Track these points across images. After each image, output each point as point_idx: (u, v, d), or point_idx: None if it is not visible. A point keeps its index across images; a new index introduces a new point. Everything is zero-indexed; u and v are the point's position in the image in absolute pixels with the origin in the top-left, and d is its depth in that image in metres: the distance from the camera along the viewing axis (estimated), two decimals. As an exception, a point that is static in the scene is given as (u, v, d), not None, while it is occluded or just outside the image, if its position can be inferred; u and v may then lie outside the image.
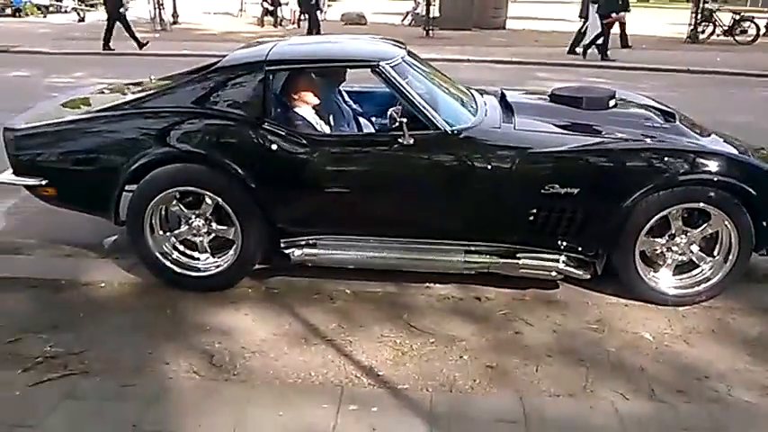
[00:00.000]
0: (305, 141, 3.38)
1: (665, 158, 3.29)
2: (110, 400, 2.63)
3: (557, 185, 3.28)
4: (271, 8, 19.78)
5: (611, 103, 3.84)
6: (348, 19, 20.47)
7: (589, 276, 3.48)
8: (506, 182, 3.32)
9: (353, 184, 3.43)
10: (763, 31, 16.58)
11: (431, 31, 17.00)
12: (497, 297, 3.52)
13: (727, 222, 3.31)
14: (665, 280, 3.47)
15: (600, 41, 12.88)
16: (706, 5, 16.71)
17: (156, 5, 17.84)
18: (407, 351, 3.03)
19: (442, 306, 3.45)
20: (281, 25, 19.80)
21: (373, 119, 4.40)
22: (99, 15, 22.66)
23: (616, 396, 2.71)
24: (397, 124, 3.29)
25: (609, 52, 13.00)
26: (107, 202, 3.49)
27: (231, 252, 3.53)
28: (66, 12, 24.26)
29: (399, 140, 3.30)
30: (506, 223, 3.42)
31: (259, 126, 3.38)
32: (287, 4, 20.10)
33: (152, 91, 3.73)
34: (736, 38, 16.34)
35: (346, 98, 4.36)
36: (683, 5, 24.38)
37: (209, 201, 3.47)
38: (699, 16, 16.63)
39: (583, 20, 13.69)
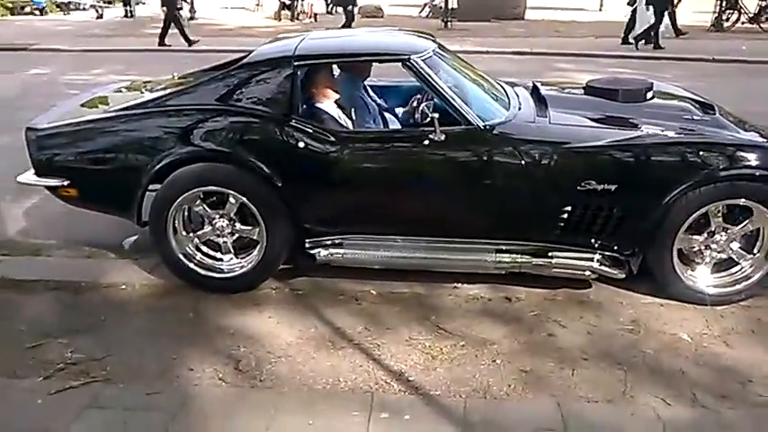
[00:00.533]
0: (333, 138, 3.29)
1: (706, 153, 3.16)
2: (134, 408, 2.57)
3: (593, 182, 3.16)
4: (288, 2, 19.69)
5: (649, 95, 3.70)
6: (365, 12, 20.28)
7: (624, 276, 3.36)
8: (541, 178, 3.20)
9: (382, 181, 3.34)
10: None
11: (449, 23, 16.82)
12: (528, 297, 3.42)
13: (770, 219, 3.17)
14: (703, 278, 3.34)
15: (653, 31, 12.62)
16: (731, -7, 16.33)
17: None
18: (437, 355, 2.93)
19: (470, 307, 3.35)
20: (298, 19, 19.71)
21: (398, 114, 4.30)
22: (116, 12, 22.85)
23: (657, 402, 2.60)
24: (428, 120, 3.19)
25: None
26: (130, 202, 3.43)
27: (255, 252, 3.45)
28: (84, 9, 24.38)
29: (430, 136, 3.20)
30: (540, 221, 3.30)
31: (286, 123, 3.29)
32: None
33: (175, 89, 3.65)
34: (762, 25, 15.93)
35: (371, 93, 4.26)
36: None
37: (233, 200, 3.39)
38: (723, 3, 16.26)
39: (631, 8, 13.35)
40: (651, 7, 12.36)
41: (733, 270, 3.33)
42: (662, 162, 3.20)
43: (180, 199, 3.37)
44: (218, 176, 3.36)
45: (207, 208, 3.46)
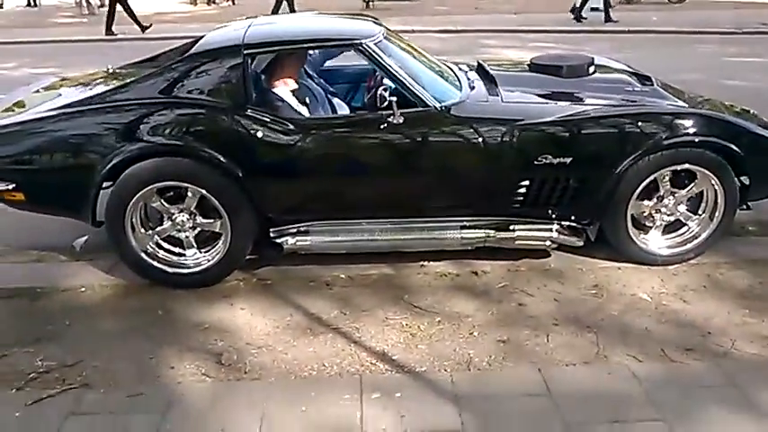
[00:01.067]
0: (292, 126, 3.26)
1: (651, 123, 3.33)
2: (119, 412, 2.50)
3: (549, 156, 3.28)
4: (203, -14, 19.10)
5: (591, 69, 3.85)
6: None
7: (582, 243, 3.52)
8: (499, 155, 3.29)
9: (344, 166, 3.35)
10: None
11: (371, 3, 16.76)
12: (493, 270, 3.52)
13: (713, 181, 3.38)
14: (654, 241, 3.53)
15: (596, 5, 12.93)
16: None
17: (82, -13, 16.94)
18: (416, 332, 2.99)
19: (440, 284, 3.43)
20: (214, 3, 19.17)
21: (343, 97, 4.30)
22: (17, 1, 21.48)
23: (629, 359, 2.75)
24: (386, 103, 3.21)
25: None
26: (83, 203, 3.29)
27: (219, 245, 3.40)
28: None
29: (389, 120, 3.23)
30: (500, 196, 3.40)
31: (242, 113, 3.24)
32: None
33: (121, 82, 3.52)
34: (670, -4, 16.70)
35: (316, 78, 4.24)
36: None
37: (191, 194, 3.32)
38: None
39: None
40: None
41: (682, 231, 3.54)
42: (612, 133, 3.35)
43: (136, 196, 3.26)
44: (176, 171, 3.27)
45: (165, 203, 3.38)
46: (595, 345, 2.86)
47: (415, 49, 3.95)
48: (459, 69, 3.94)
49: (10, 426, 2.46)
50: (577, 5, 13.29)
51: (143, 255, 3.37)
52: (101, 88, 3.63)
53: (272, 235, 3.43)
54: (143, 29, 12.90)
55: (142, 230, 3.39)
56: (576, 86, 3.72)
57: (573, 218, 3.47)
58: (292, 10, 13.23)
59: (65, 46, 12.45)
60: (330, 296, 3.32)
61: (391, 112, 3.22)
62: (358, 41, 3.34)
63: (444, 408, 2.48)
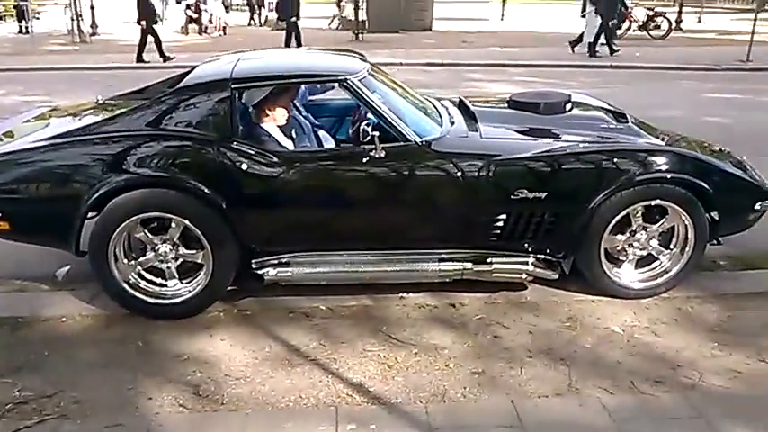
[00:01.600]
0: (276, 159, 3.35)
1: (625, 159, 3.44)
2: (96, 442, 2.53)
3: (525, 191, 3.37)
4: (195, 15, 19.35)
5: (568, 107, 3.97)
6: (274, 25, 20.22)
7: (557, 276, 3.59)
8: (477, 189, 3.38)
9: (326, 199, 3.42)
10: (674, 25, 17.45)
11: (360, 35, 17.04)
12: (471, 303, 3.59)
13: (683, 216, 3.48)
14: (627, 274, 3.62)
15: (601, 39, 13.36)
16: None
17: (75, 16, 17.08)
18: (393, 364, 3.04)
19: (418, 315, 3.48)
20: (206, 32, 19.40)
21: (329, 131, 4.39)
22: (9, 27, 21.64)
23: (601, 392, 2.81)
24: (368, 138, 3.30)
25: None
26: (68, 233, 3.34)
27: (201, 276, 3.44)
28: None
29: (371, 154, 3.32)
30: (478, 229, 3.48)
31: (228, 146, 3.32)
32: (207, 11, 19.68)
33: (110, 114, 3.60)
34: (651, 33, 17.12)
35: (303, 112, 4.33)
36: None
37: (175, 225, 3.38)
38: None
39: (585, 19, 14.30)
40: (599, 17, 13.17)
41: (654, 265, 3.63)
42: (586, 170, 3.45)
43: (121, 227, 3.32)
44: (161, 202, 3.33)
45: (148, 234, 3.43)
46: (568, 377, 2.92)
47: (399, 85, 4.06)
48: (441, 105, 4.05)
49: (-14, 456, 2.48)
50: (589, 41, 13.65)
51: (125, 285, 3.41)
52: (90, 119, 3.72)
53: (253, 266, 3.49)
54: (165, 59, 13.14)
55: (125, 261, 3.43)
56: (552, 123, 3.83)
57: (548, 251, 3.55)
58: (299, 44, 13.46)
59: (56, 74, 12.54)
60: (309, 327, 3.37)
61: (373, 146, 3.31)
62: (343, 77, 3.45)
63: (418, 439, 2.52)
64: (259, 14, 22.99)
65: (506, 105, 4.14)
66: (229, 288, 3.56)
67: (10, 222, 3.41)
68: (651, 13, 17.50)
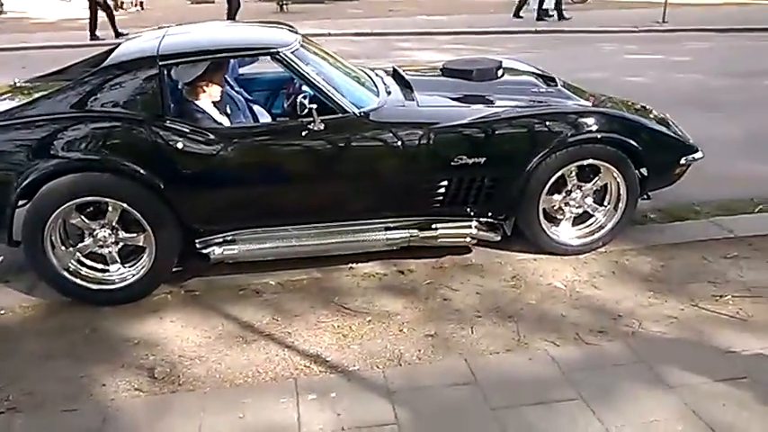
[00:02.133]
0: (212, 136, 3.29)
1: (557, 122, 3.55)
2: (52, 434, 2.47)
3: (465, 156, 3.44)
4: (109, -9, 18.43)
5: (500, 72, 4.05)
6: (194, -1, 19.60)
7: (500, 238, 3.70)
8: (417, 157, 3.42)
9: (266, 174, 3.39)
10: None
11: (284, 6, 16.71)
12: (418, 268, 3.66)
13: (615, 174, 3.64)
14: (565, 232, 3.77)
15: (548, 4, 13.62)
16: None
17: (-23, -6, 16.03)
18: (348, 333, 3.08)
19: (368, 284, 3.53)
20: (122, 8, 18.55)
21: (263, 105, 4.34)
22: None
23: (548, 345, 2.94)
24: (306, 111, 3.28)
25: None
26: (-2, 223, 3.20)
27: (145, 259, 3.37)
28: None
29: (309, 127, 3.30)
30: (421, 197, 3.54)
31: (160, 124, 3.23)
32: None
33: (32, 97, 3.43)
34: (571, -3, 17.48)
35: (236, 86, 4.25)
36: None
37: (112, 209, 3.28)
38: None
39: None
40: None
41: (590, 222, 3.79)
42: (521, 133, 3.55)
43: (55, 213, 3.20)
44: (94, 185, 3.23)
45: (85, 219, 3.32)
46: (516, 333, 3.04)
47: (331, 56, 4.03)
48: (376, 75, 4.06)
49: (-66, 458, 2.39)
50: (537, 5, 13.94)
51: (65, 273, 3.30)
52: (10, 103, 3.53)
53: (197, 246, 3.44)
54: (118, 35, 12.19)
55: (62, 248, 3.32)
56: (486, 89, 3.91)
57: (490, 214, 3.65)
58: (231, 17, 12.98)
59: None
60: (261, 303, 3.37)
61: (312, 119, 3.29)
62: (275, 50, 3.40)
63: (378, 403, 2.58)
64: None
65: (440, 73, 4.19)
66: (174, 269, 3.51)
67: (-64, 214, 3.23)
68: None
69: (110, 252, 3.38)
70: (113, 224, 3.33)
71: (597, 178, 3.69)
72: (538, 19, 13.79)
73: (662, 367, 2.75)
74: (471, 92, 3.86)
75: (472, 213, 3.63)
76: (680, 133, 3.92)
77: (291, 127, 3.41)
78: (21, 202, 3.24)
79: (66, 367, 2.88)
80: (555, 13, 13.85)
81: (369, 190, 3.51)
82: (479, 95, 3.83)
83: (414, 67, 4.63)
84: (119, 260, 3.41)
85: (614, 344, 2.93)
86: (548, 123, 3.54)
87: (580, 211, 3.77)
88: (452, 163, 3.45)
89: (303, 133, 3.32)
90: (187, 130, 3.26)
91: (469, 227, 3.62)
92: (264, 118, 4.07)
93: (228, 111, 3.81)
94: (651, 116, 3.98)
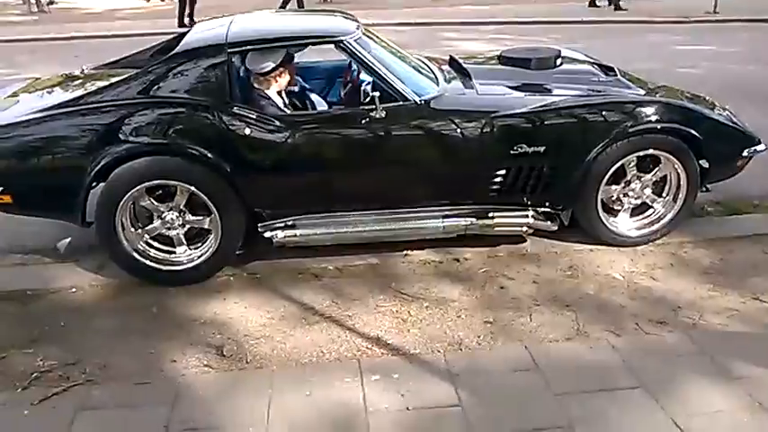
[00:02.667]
0: (278, 123, 3.36)
1: (619, 111, 3.52)
2: (128, 405, 2.58)
3: (524, 145, 3.45)
4: (156, -19, 18.76)
5: (558, 61, 4.04)
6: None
7: (556, 228, 3.71)
8: (477, 145, 3.44)
9: (329, 160, 3.45)
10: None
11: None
12: (474, 257, 3.69)
13: (675, 165, 3.60)
14: (623, 223, 3.75)
15: None
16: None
17: (30, -15, 16.47)
18: (407, 318, 3.14)
19: (424, 271, 3.57)
20: (166, -1, 18.85)
21: (320, 93, 4.40)
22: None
23: (608, 334, 2.95)
24: (369, 98, 3.33)
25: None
26: (72, 204, 3.33)
27: (210, 241, 3.48)
28: None
29: (371, 114, 3.35)
30: (479, 185, 3.56)
31: (228, 110, 3.32)
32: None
33: (104, 83, 3.55)
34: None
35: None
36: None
37: (181, 192, 3.39)
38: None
39: None
40: None
41: (648, 213, 3.76)
42: (582, 123, 3.53)
43: (126, 196, 3.31)
44: (165, 169, 3.34)
45: (154, 202, 3.44)
46: (575, 322, 3.05)
47: (390, 45, 4.07)
48: (434, 63, 4.08)
49: (21, 424, 2.51)
50: None
51: (134, 254, 3.42)
52: (82, 90, 3.66)
53: (260, 230, 3.52)
54: (181, 25, 12.49)
55: (132, 230, 3.44)
56: (545, 78, 3.90)
57: (547, 204, 3.66)
58: (301, 5, 13.17)
59: (15, 46, 12.14)
60: (320, 287, 3.44)
61: (373, 106, 3.34)
62: (339, 38, 3.45)
63: (441, 385, 2.63)
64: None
65: (498, 62, 4.19)
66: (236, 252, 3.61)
67: (12, 195, 3.37)
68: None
69: (177, 234, 3.49)
70: (181, 207, 3.44)
71: (657, 169, 3.66)
72: (616, 8, 13.74)
73: (724, 359, 2.74)
74: (530, 81, 3.85)
75: (529, 203, 3.64)
76: (741, 125, 3.85)
77: (353, 114, 3.46)
78: (94, 185, 3.36)
79: (137, 343, 3.00)
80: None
81: (427, 178, 3.55)
82: (538, 84, 3.82)
83: (470, 56, 4.63)
84: (185, 242, 3.51)
85: (675, 335, 2.93)
86: (608, 113, 3.52)
87: (639, 201, 3.74)
88: (512, 151, 3.46)
89: (364, 121, 3.38)
90: (253, 117, 3.34)
91: (526, 216, 3.63)
92: (321, 106, 4.13)
93: (289, 98, 3.89)
94: (711, 106, 3.92)
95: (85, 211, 3.38)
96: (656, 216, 3.75)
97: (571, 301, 3.23)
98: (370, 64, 3.44)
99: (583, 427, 2.39)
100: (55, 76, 4.38)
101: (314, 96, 4.26)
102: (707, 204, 4.23)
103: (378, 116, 3.35)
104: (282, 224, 3.53)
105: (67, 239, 3.94)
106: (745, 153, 3.73)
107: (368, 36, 3.78)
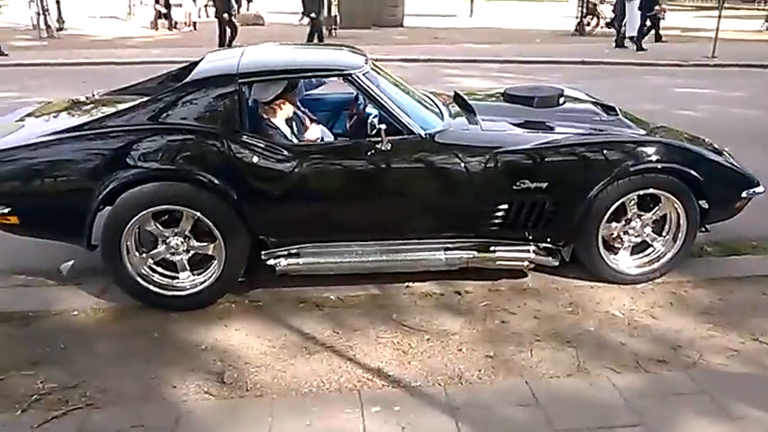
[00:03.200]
0: (285, 152, 3.41)
1: (621, 150, 3.59)
2: (129, 430, 2.57)
3: (527, 181, 3.50)
4: (164, 10, 19.12)
5: (561, 100, 4.12)
6: (245, 20, 20.08)
7: (557, 263, 3.73)
8: (480, 180, 3.49)
9: (334, 190, 3.49)
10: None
11: (333, 31, 17.06)
12: (475, 290, 3.71)
13: (676, 205, 3.65)
14: (624, 261, 3.78)
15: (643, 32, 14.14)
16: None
17: (41, 10, 16.70)
18: (408, 350, 3.14)
19: (426, 303, 3.59)
20: (176, 28, 19.19)
21: (327, 125, 4.47)
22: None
23: (608, 371, 2.96)
24: (375, 131, 3.39)
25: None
26: (79, 227, 3.36)
27: (214, 267, 3.50)
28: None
29: (377, 146, 3.40)
30: (481, 219, 3.60)
31: (237, 139, 3.37)
32: (180, 5, 19.50)
33: (115, 109, 3.61)
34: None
35: (301, 107, 4.39)
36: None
37: (186, 217, 3.42)
38: (584, 10, 17.71)
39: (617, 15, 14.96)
40: (640, 11, 13.97)
41: (648, 251, 3.80)
42: (585, 160, 3.58)
43: (133, 220, 3.35)
44: (172, 195, 3.38)
45: (159, 227, 3.47)
46: (576, 358, 3.06)
47: (397, 79, 4.15)
48: (439, 98, 4.15)
49: (19, 447, 2.50)
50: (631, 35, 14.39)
51: (138, 278, 3.44)
52: (93, 115, 3.72)
53: (264, 257, 3.55)
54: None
55: (137, 254, 3.46)
56: (547, 116, 3.97)
57: (548, 239, 3.69)
58: (321, 39, 13.53)
59: (25, 70, 12.31)
60: (321, 316, 3.45)
61: (379, 139, 3.39)
62: (348, 72, 3.53)
63: (441, 418, 2.63)
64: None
65: (502, 99, 4.27)
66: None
67: (18, 217, 3.40)
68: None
69: (181, 259, 3.51)
70: (186, 233, 3.46)
71: (657, 208, 3.71)
72: (637, 49, 14.12)
73: (725, 399, 2.74)
74: (533, 118, 3.92)
75: (531, 238, 3.68)
76: (741, 167, 3.91)
77: (359, 146, 3.52)
78: (100, 208, 3.39)
79: (138, 367, 3.00)
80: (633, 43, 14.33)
81: (431, 210, 3.59)
82: (541, 122, 3.89)
83: (474, 93, 4.71)
84: (188, 268, 3.53)
85: (675, 374, 2.93)
86: (609, 151, 3.58)
87: (639, 240, 3.78)
88: (514, 187, 3.51)
89: (369, 152, 3.43)
90: (262, 146, 3.39)
91: (528, 251, 3.66)
92: (328, 137, 4.19)
93: (296, 129, 3.95)
94: (710, 148, 3.99)
95: (91, 235, 3.41)
96: (656, 255, 3.78)
97: (572, 337, 3.24)
98: (377, 97, 3.51)
99: (583, 463, 2.39)
100: (63, 100, 4.45)
101: (321, 128, 4.32)
102: (706, 245, 4.26)
103: (383, 148, 3.41)
104: (286, 252, 3.55)
105: (70, 262, 3.96)
106: (744, 195, 3.78)
107: (375, 70, 3.86)
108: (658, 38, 14.98)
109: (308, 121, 4.21)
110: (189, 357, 3.08)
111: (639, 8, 14.06)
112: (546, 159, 3.54)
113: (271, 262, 3.53)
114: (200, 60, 3.94)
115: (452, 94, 4.39)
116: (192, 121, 3.44)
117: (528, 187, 3.52)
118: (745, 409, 2.68)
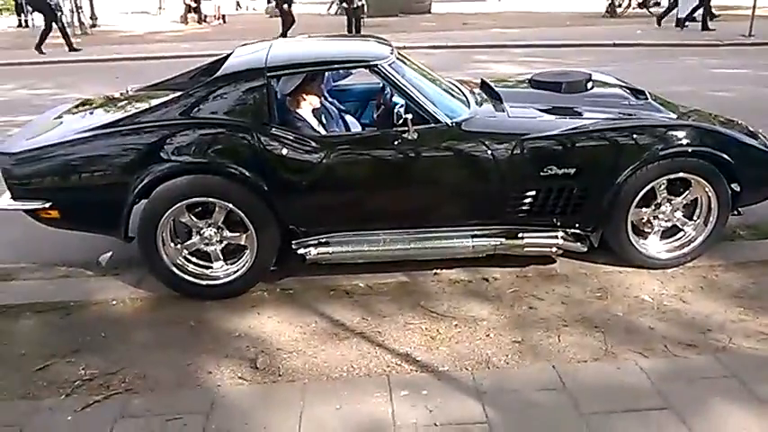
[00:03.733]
0: (314, 143, 3.47)
1: (650, 134, 3.56)
2: (166, 414, 2.68)
3: (554, 167, 3.50)
4: (194, 5, 19.34)
5: (589, 85, 4.09)
6: (272, 12, 20.22)
7: (586, 249, 3.73)
8: (508, 167, 3.51)
9: (362, 180, 3.55)
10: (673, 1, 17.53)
11: (362, 20, 17.02)
12: (503, 277, 3.73)
13: (706, 188, 3.62)
14: (653, 246, 3.76)
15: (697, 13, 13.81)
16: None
17: (75, 8, 17.06)
18: (436, 335, 3.19)
19: (453, 290, 3.63)
20: (205, 22, 19.41)
21: (354, 115, 4.53)
22: (6, 21, 21.60)
23: (636, 355, 2.96)
24: (402, 120, 3.43)
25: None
26: (116, 220, 3.48)
27: (246, 257, 3.58)
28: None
29: (404, 136, 3.44)
30: (509, 206, 3.61)
31: (266, 131, 3.45)
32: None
33: (148, 105, 3.71)
34: (650, 9, 17.18)
35: (329, 98, 4.45)
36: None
37: (219, 209, 3.51)
38: (615, -9, 17.40)
39: None
40: None
41: (679, 236, 3.77)
42: (613, 145, 3.56)
43: (168, 212, 3.45)
44: (205, 187, 3.47)
45: (194, 218, 3.57)
46: (603, 343, 3.07)
47: (423, 68, 4.17)
48: (466, 86, 4.17)
49: (64, 429, 2.62)
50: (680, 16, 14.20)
51: (173, 268, 3.55)
52: (127, 111, 3.83)
53: (294, 246, 3.63)
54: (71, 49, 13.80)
55: (172, 245, 3.57)
56: (575, 101, 3.96)
57: (577, 225, 3.69)
58: (358, 30, 13.61)
59: (61, 67, 12.61)
60: (351, 304, 3.52)
61: (406, 128, 3.43)
62: (374, 63, 3.57)
63: (469, 402, 2.68)
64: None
65: (529, 85, 4.26)
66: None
67: (59, 211, 3.54)
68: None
69: (214, 250, 3.61)
70: (219, 224, 3.56)
71: (688, 192, 3.68)
72: (680, 28, 13.99)
73: (754, 382, 2.73)
74: (561, 104, 3.92)
75: (559, 224, 3.68)
76: (773, 149, 3.85)
77: (386, 135, 3.56)
78: (136, 201, 3.50)
79: (175, 355, 3.11)
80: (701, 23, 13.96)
81: (458, 198, 3.62)
82: (569, 107, 3.88)
83: (501, 79, 4.71)
84: (222, 258, 3.63)
85: (704, 357, 2.93)
86: (639, 136, 3.55)
87: (669, 224, 3.76)
88: (542, 173, 3.51)
89: (397, 142, 3.47)
90: (291, 138, 3.46)
91: (556, 237, 3.67)
92: (355, 127, 4.25)
93: (324, 120, 4.01)
94: (744, 130, 3.93)
95: (128, 227, 3.53)
96: (687, 239, 3.75)
97: (600, 322, 3.25)
98: (404, 87, 3.55)
99: (610, 446, 2.42)
100: (99, 97, 4.59)
101: (348, 118, 4.39)
102: (739, 228, 4.21)
103: (410, 137, 3.44)
104: (315, 241, 3.62)
105: (109, 253, 4.10)
106: (777, 177, 3.72)
107: (401, 60, 3.89)
108: (711, 16, 14.47)
109: (334, 113, 4.28)
110: (223, 344, 3.18)
111: None
112: (573, 145, 3.53)
113: (301, 251, 3.60)
114: (229, 55, 4.01)
115: (479, 81, 4.40)
116: (223, 115, 3.52)
117: (555, 173, 3.52)
118: (775, 392, 2.66)
